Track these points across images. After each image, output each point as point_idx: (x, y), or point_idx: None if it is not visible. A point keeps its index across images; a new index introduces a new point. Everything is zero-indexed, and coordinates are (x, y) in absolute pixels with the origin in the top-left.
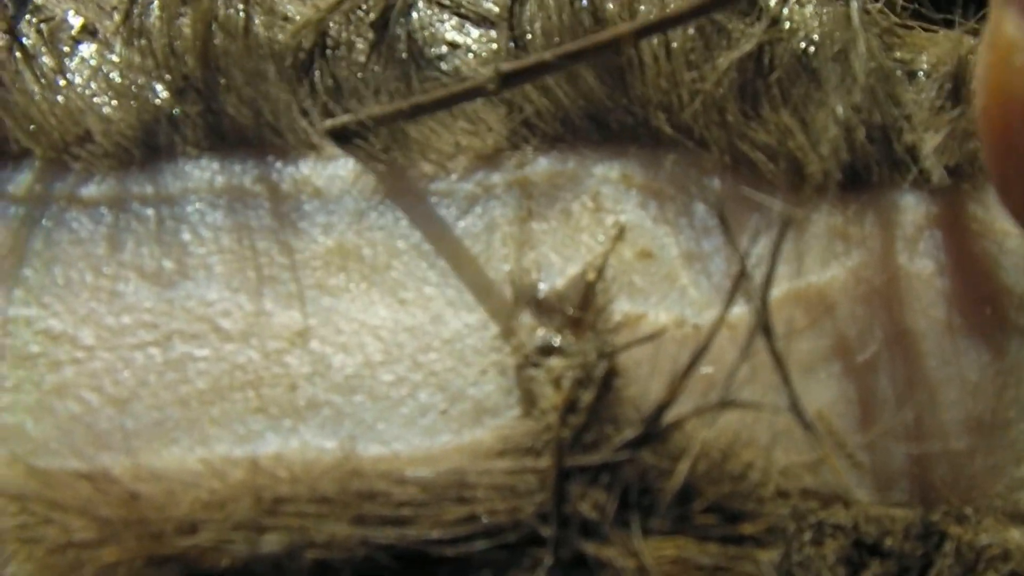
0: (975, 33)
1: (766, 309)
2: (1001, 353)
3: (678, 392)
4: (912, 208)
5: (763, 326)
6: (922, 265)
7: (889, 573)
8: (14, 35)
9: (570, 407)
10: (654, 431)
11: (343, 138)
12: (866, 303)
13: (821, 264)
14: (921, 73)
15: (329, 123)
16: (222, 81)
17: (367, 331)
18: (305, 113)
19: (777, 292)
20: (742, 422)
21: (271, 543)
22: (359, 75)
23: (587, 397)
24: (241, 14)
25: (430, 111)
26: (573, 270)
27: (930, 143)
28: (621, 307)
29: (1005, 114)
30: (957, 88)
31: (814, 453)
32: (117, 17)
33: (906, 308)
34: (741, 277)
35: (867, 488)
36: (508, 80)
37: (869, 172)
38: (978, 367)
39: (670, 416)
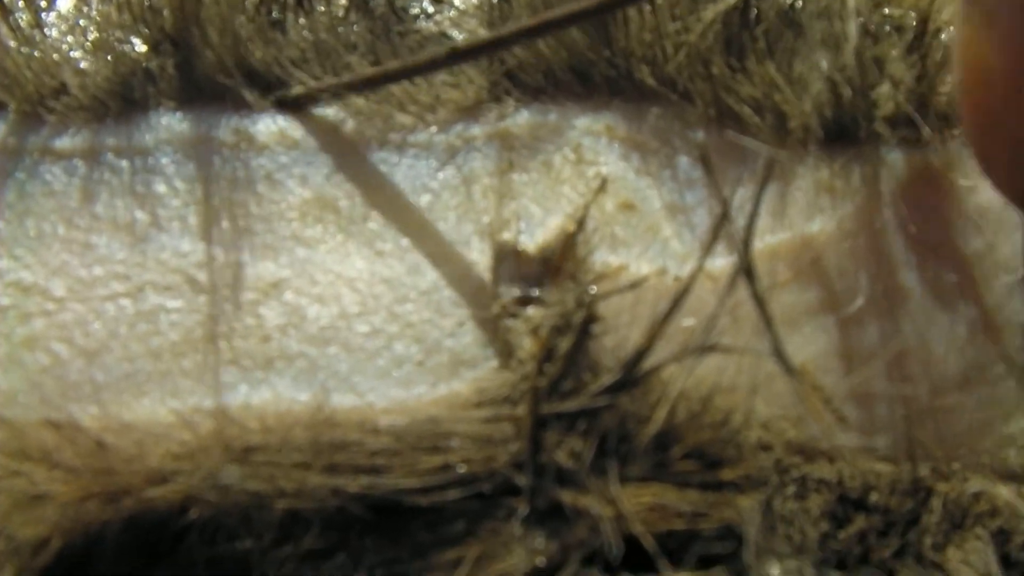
0: None
1: (748, 252)
2: (988, 309)
3: (656, 338)
4: (899, 163)
5: (745, 269)
6: (908, 220)
7: (874, 528)
8: None
9: (547, 355)
10: (632, 377)
11: (296, 106)
12: (851, 257)
13: (806, 217)
14: (908, 29)
15: (280, 94)
16: (198, 35)
17: (343, 282)
18: (281, 67)
19: (761, 245)
20: (723, 371)
21: (230, 475)
22: (337, 29)
23: (564, 345)
24: None
25: (381, 84)
26: (554, 222)
27: (914, 99)
28: (602, 258)
29: (985, 90)
30: (943, 45)
31: (797, 406)
32: None
33: (892, 263)
34: (723, 220)
35: (852, 443)
36: (459, 56)
37: (856, 127)
38: (965, 323)
39: (649, 363)
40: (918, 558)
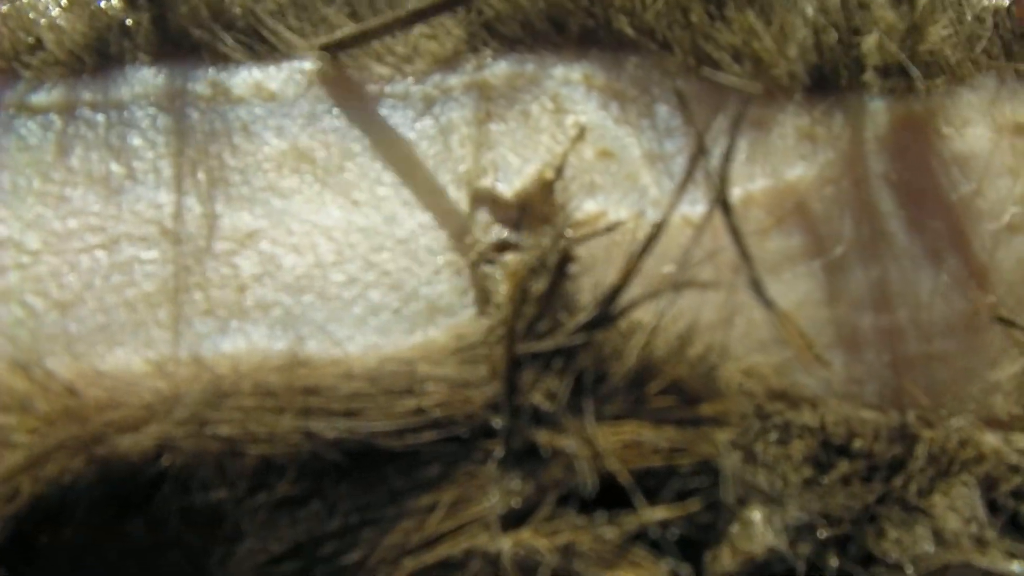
0: None
1: (725, 187)
2: (973, 256)
3: (631, 276)
4: (880, 111)
5: (721, 203)
6: (892, 167)
7: (857, 474)
8: None
9: (523, 297)
10: (607, 315)
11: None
12: (834, 204)
13: (788, 164)
14: None
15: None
16: None
17: (319, 232)
18: (257, 19)
19: (742, 192)
20: (701, 310)
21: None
22: None
23: (540, 286)
24: None
25: (417, 21)
26: (531, 170)
27: (904, 49)
28: (581, 205)
29: None
30: None
31: (780, 352)
32: None
33: (874, 210)
34: (698, 156)
35: (837, 390)
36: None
37: (837, 75)
38: (950, 270)
39: (624, 301)
40: (903, 504)
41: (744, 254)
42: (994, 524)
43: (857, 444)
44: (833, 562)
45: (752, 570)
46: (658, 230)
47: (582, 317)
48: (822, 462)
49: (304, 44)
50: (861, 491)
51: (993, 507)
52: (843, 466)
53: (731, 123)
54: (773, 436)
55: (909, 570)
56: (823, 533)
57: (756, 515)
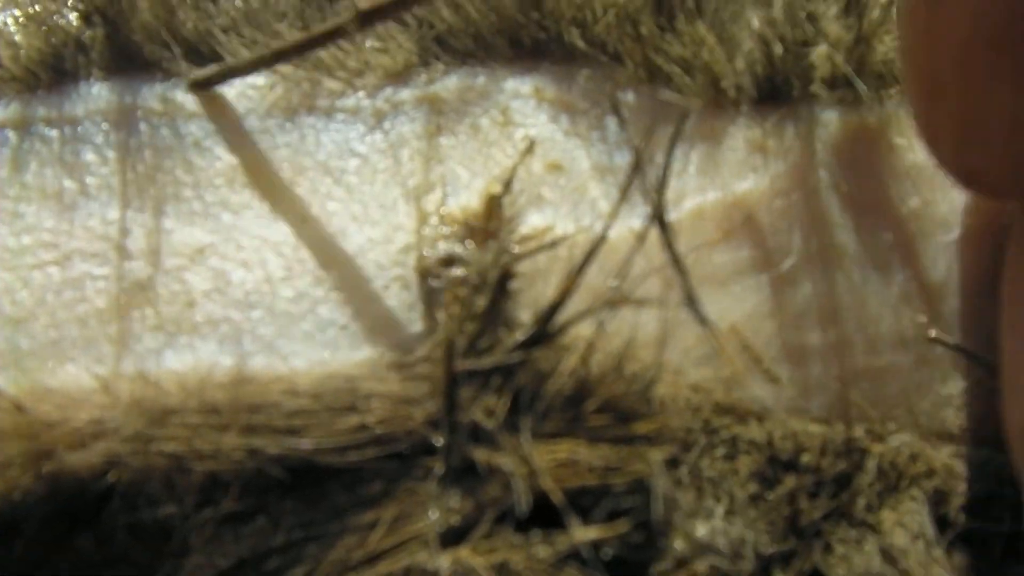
0: None
1: (662, 200)
2: (924, 269)
3: (569, 292)
4: (831, 122)
5: (657, 217)
6: (842, 179)
7: (804, 489)
8: None
9: (465, 313)
10: (545, 331)
11: (208, 86)
12: (783, 217)
13: (738, 176)
14: None
15: (194, 75)
16: (128, 5)
17: (268, 247)
18: (212, 36)
19: (691, 204)
20: (642, 327)
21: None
22: None
23: (481, 302)
24: None
25: (293, 56)
26: (481, 184)
27: (852, 60)
28: (529, 219)
29: (932, 58)
30: (879, 4)
31: (725, 365)
32: None
33: (825, 222)
34: (636, 169)
35: (784, 404)
36: (368, 18)
37: (788, 86)
38: (901, 282)
39: (564, 317)
40: (850, 520)
41: (679, 269)
42: (942, 540)
43: (804, 459)
44: None
45: None
46: (597, 246)
47: (520, 334)
48: (768, 477)
49: (186, 75)
50: (808, 507)
51: (943, 522)
52: (790, 481)
53: (670, 137)
54: (720, 451)
55: None
56: (768, 549)
57: (700, 531)
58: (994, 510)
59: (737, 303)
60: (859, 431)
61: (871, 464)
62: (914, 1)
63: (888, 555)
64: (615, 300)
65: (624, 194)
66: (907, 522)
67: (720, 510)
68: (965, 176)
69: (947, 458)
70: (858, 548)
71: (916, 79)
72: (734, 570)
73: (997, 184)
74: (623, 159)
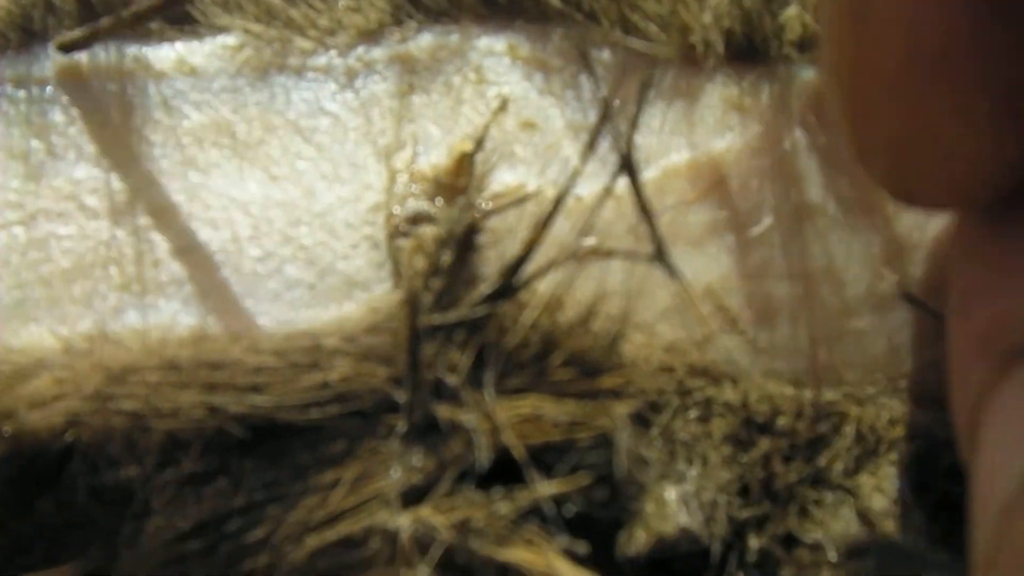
0: None
1: (630, 149)
2: (903, 230)
3: (536, 245)
4: (809, 81)
5: (627, 166)
6: (819, 139)
7: (779, 452)
8: None
9: (432, 269)
10: (511, 285)
11: (77, 48)
12: (760, 176)
13: (714, 135)
14: None
15: (59, 39)
16: None
17: (236, 206)
18: None
19: (667, 163)
20: (615, 286)
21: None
22: None
23: (447, 258)
24: None
25: (150, 17)
26: (452, 142)
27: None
28: (501, 177)
29: (861, 82)
30: None
31: (696, 320)
32: None
33: (802, 182)
34: (604, 118)
35: (761, 366)
36: None
37: (765, 44)
38: (880, 243)
39: (528, 271)
40: (827, 484)
41: (648, 218)
42: (922, 505)
43: (780, 422)
44: (753, 543)
45: (665, 550)
46: (562, 197)
47: (485, 288)
48: (743, 440)
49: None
50: (782, 470)
51: (923, 488)
52: (764, 444)
53: (640, 86)
54: (693, 413)
55: (831, 551)
56: (742, 513)
57: (671, 494)
58: None
59: (713, 263)
60: (837, 394)
61: (849, 428)
62: (840, 21)
63: (865, 519)
64: (580, 253)
65: (591, 145)
66: (885, 487)
67: (693, 473)
68: (899, 195)
69: (928, 423)
70: (835, 512)
71: (845, 102)
72: (704, 533)
73: (933, 203)
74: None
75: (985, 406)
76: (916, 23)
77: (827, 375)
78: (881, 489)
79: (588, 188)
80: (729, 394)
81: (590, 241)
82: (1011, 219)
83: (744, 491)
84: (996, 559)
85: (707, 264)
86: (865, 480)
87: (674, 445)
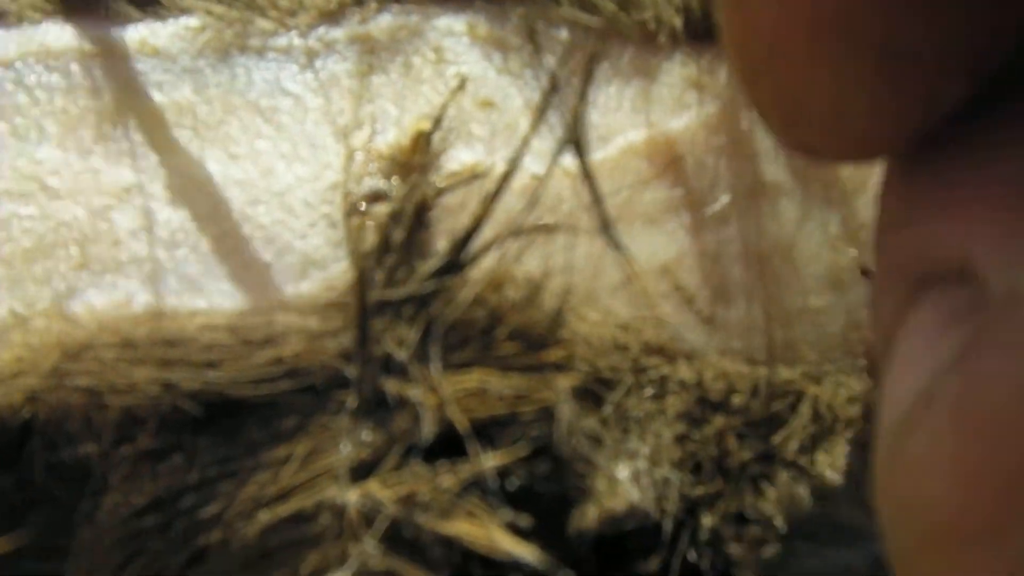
0: None
1: (578, 125)
2: (861, 208)
3: (483, 219)
4: None
5: (574, 142)
6: None
7: (733, 429)
8: None
9: (384, 246)
10: (458, 260)
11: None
12: (718, 155)
13: (671, 114)
14: None
15: None
16: None
17: (194, 186)
18: None
19: (624, 141)
20: (563, 263)
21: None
22: None
23: (399, 234)
24: None
25: None
26: (410, 121)
27: None
28: (459, 156)
29: (746, 42)
30: None
31: (656, 305)
32: None
33: (760, 161)
34: (551, 91)
35: (717, 345)
36: None
37: None
38: (838, 222)
39: (476, 246)
40: (782, 462)
41: (593, 194)
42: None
43: (735, 400)
44: (706, 520)
45: (615, 527)
46: (511, 172)
47: (433, 264)
48: (697, 418)
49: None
50: (736, 447)
51: None
52: (718, 422)
53: (587, 62)
54: (647, 391)
55: (779, 522)
56: (694, 491)
57: (623, 471)
58: None
59: (670, 242)
60: (794, 373)
61: (806, 406)
62: None
63: (820, 496)
64: (525, 228)
65: (538, 119)
66: (839, 464)
67: (645, 450)
68: (795, 150)
69: None
70: (788, 490)
71: (735, 60)
72: (657, 510)
73: (830, 158)
74: (557, 97)
75: (893, 336)
76: None
77: (784, 353)
78: (835, 466)
79: (544, 167)
80: (684, 372)
81: (528, 213)
82: (929, 152)
83: (697, 469)
84: (890, 479)
85: (664, 243)
86: (821, 458)
87: (627, 423)
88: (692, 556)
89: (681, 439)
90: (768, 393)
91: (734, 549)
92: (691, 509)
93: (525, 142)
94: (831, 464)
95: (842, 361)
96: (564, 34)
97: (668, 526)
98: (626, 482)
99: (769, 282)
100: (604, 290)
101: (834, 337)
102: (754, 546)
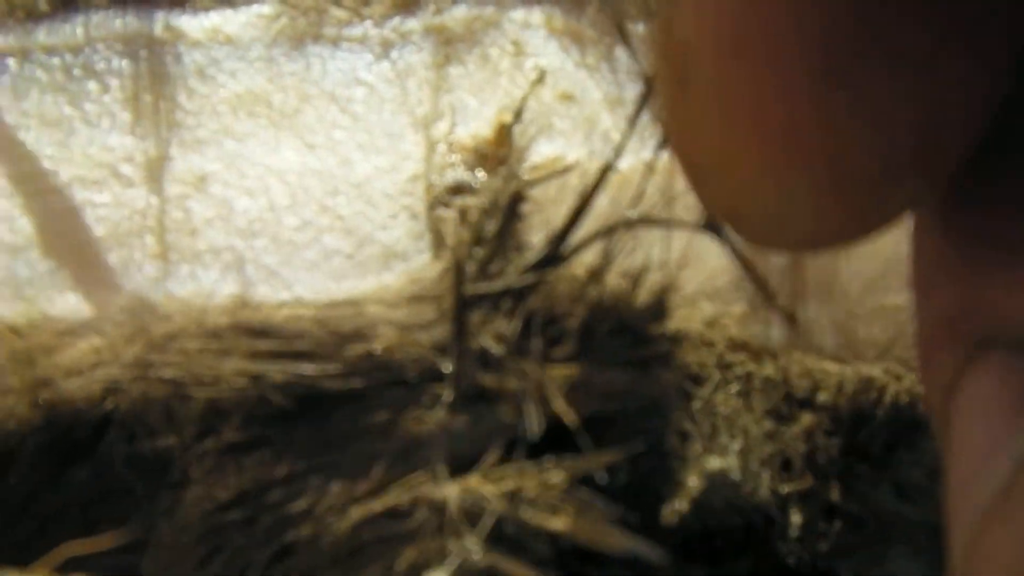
0: None
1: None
2: None
3: (581, 214)
4: None
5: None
6: None
7: (821, 427)
8: None
9: (475, 239)
10: (557, 255)
11: None
12: None
13: None
14: None
15: None
16: None
17: (272, 175)
18: None
19: None
20: (658, 258)
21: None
22: None
23: (491, 227)
24: None
25: None
26: (490, 113)
27: None
28: (541, 148)
29: (689, 144)
30: None
31: (741, 303)
32: None
33: None
34: (646, 97)
35: (801, 342)
36: None
37: None
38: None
39: (574, 241)
40: (867, 458)
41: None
42: None
43: (821, 397)
44: (795, 517)
45: (707, 522)
46: (607, 170)
47: (531, 258)
48: (784, 415)
49: None
50: (825, 444)
51: None
52: (806, 419)
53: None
54: (734, 387)
55: (870, 523)
56: (784, 487)
57: (714, 467)
58: None
59: None
60: (877, 370)
61: (887, 403)
62: (665, 80)
63: (903, 493)
64: (626, 223)
65: (633, 123)
66: (924, 461)
67: (735, 447)
68: (727, 215)
69: None
70: (874, 486)
71: (680, 163)
72: (748, 506)
73: (777, 250)
74: (633, 90)
75: (954, 396)
76: (730, 93)
77: (866, 350)
78: (919, 463)
79: (626, 162)
80: (770, 369)
81: (634, 212)
82: (972, 195)
83: (786, 465)
84: (973, 569)
85: (743, 240)
86: (903, 455)
87: (716, 419)
88: (782, 552)
89: (770, 435)
90: (852, 390)
91: (823, 546)
92: (781, 505)
93: (624, 139)
94: (914, 461)
95: None
96: (641, 28)
97: (758, 521)
98: (718, 477)
99: (854, 279)
100: (690, 285)
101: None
102: (844, 544)
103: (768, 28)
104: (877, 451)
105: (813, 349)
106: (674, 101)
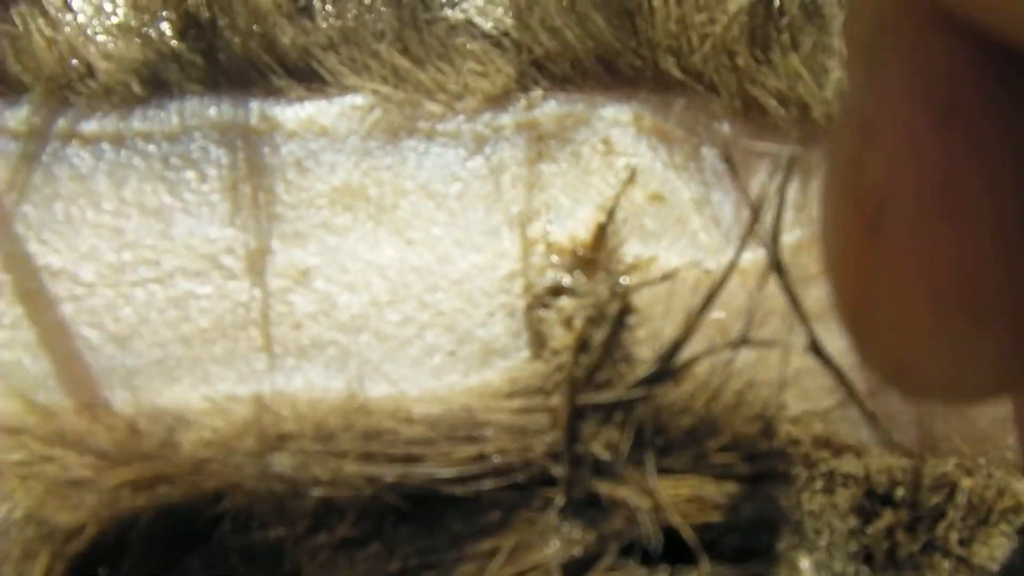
0: None
1: (777, 248)
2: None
3: (693, 330)
4: None
5: (775, 265)
6: None
7: (901, 523)
8: None
9: (582, 346)
10: (668, 369)
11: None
12: None
13: None
14: None
15: None
16: (225, 20)
17: (373, 270)
18: (309, 53)
19: (790, 239)
20: (755, 364)
21: (281, 463)
22: (364, 16)
23: (599, 336)
24: None
25: None
26: (583, 212)
27: None
28: (633, 250)
29: (865, 299)
30: None
31: (825, 400)
32: None
33: None
34: (755, 219)
35: (878, 438)
36: None
37: None
38: None
39: (685, 355)
40: (945, 553)
41: (801, 315)
42: None
43: (899, 492)
44: None
45: None
46: (719, 286)
47: (643, 370)
48: (866, 511)
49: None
50: (905, 540)
51: None
52: (887, 515)
53: (777, 186)
54: (819, 484)
55: None
56: None
57: (804, 563)
58: None
59: (835, 337)
60: (950, 465)
61: (961, 498)
62: (848, 222)
63: None
64: (738, 342)
65: (744, 243)
66: (999, 556)
67: (822, 543)
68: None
69: None
70: None
71: (846, 325)
72: None
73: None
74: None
75: None
76: (928, 244)
77: (939, 445)
78: (994, 557)
79: (716, 262)
80: (851, 465)
81: (740, 325)
82: None
83: (868, 559)
84: None
85: (829, 338)
86: (979, 549)
87: (802, 514)
88: None
89: (853, 532)
90: (928, 486)
91: None
92: None
93: (741, 249)
94: (989, 555)
95: (992, 453)
96: (726, 128)
97: None
98: (808, 573)
99: None
100: (776, 383)
101: (983, 430)
102: None
103: (966, 182)
104: (954, 546)
105: (889, 445)
106: (859, 244)
